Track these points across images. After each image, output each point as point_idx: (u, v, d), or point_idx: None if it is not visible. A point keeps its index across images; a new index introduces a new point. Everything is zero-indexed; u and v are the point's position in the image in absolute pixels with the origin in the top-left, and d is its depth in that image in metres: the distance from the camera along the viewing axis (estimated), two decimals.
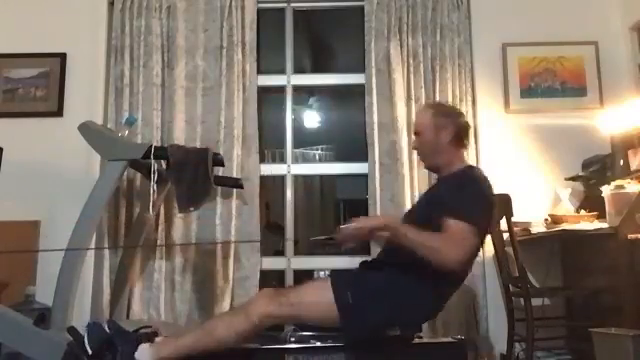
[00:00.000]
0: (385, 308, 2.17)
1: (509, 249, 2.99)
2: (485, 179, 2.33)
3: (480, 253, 3.36)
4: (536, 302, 2.96)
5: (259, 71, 3.66)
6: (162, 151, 2.88)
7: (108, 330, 2.20)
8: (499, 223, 3.05)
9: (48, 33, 3.62)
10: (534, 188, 3.44)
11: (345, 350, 2.36)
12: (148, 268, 3.39)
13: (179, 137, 3.47)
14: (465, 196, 2.21)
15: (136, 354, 2.13)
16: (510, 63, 3.61)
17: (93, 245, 3.11)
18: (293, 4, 3.90)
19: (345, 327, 2.17)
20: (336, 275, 2.27)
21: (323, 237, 2.29)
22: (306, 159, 4.12)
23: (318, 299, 2.17)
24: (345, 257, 4.10)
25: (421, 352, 2.58)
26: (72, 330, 2.27)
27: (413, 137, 2.54)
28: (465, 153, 2.50)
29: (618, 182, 2.86)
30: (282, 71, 3.83)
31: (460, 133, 2.39)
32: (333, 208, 4.66)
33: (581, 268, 3.13)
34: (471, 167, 2.49)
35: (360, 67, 3.68)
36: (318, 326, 2.32)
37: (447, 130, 2.36)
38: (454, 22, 3.64)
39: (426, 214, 2.28)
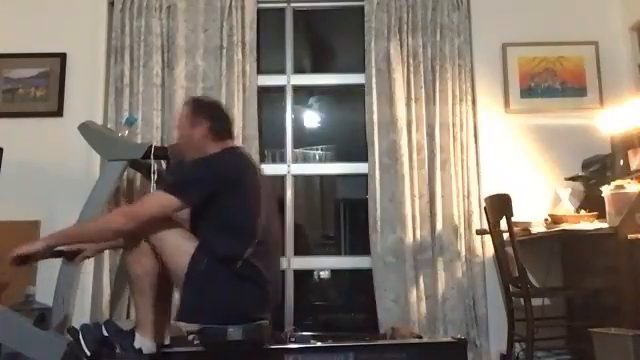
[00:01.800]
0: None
1: (509, 249, 2.99)
2: (220, 155, 2.33)
3: (480, 253, 3.39)
4: (536, 302, 2.96)
5: (259, 71, 3.66)
6: (162, 151, 2.88)
7: (106, 331, 2.23)
8: (499, 223, 3.05)
9: (48, 33, 3.62)
10: (534, 188, 3.44)
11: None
12: None
13: None
14: (185, 170, 2.37)
15: (135, 343, 2.20)
16: (510, 63, 3.61)
17: None
18: (293, 4, 3.90)
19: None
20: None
21: None
22: (306, 159, 4.11)
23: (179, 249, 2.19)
24: (345, 257, 4.12)
25: (421, 352, 2.59)
26: (72, 330, 2.29)
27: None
28: (231, 143, 2.46)
29: (618, 182, 2.86)
30: (282, 71, 3.84)
31: (215, 127, 2.40)
32: (333, 208, 4.66)
33: (581, 268, 3.13)
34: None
35: (360, 67, 3.68)
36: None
37: (202, 126, 2.38)
38: (454, 22, 3.64)
39: None
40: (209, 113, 2.42)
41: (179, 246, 2.18)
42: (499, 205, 2.98)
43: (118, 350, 2.19)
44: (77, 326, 2.31)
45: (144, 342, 2.21)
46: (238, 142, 3.46)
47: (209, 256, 2.16)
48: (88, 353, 2.18)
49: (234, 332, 2.15)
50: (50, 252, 2.26)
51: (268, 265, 2.25)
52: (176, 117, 2.56)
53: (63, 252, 2.36)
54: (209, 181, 2.21)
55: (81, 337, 2.22)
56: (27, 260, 2.18)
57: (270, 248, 2.31)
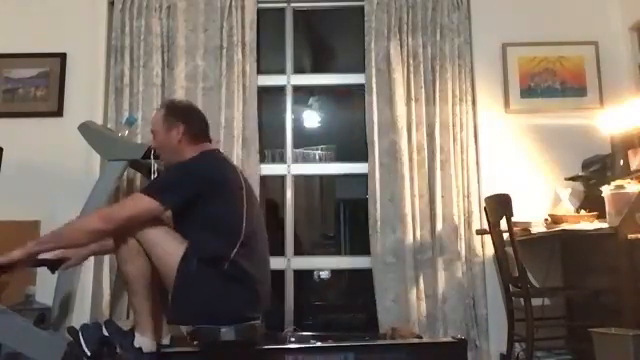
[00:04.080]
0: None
1: (509, 249, 2.99)
2: (199, 159, 2.33)
3: (480, 253, 3.40)
4: (536, 302, 2.96)
5: (259, 71, 3.66)
6: None
7: (106, 331, 2.23)
8: (499, 223, 3.05)
9: (48, 33, 3.62)
10: (534, 188, 3.44)
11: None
12: None
13: None
14: (165, 175, 2.40)
15: (135, 343, 2.20)
16: (510, 63, 3.61)
17: None
18: (293, 4, 3.90)
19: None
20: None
21: None
22: (306, 159, 4.11)
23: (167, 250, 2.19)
24: (345, 257, 4.13)
25: (421, 352, 2.58)
26: (72, 330, 2.29)
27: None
28: (210, 145, 2.47)
29: (618, 182, 2.85)
30: (282, 71, 3.83)
31: (192, 131, 2.40)
32: (333, 208, 4.66)
33: (581, 268, 3.13)
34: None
35: (360, 67, 3.68)
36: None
37: (178, 129, 2.38)
38: (454, 22, 3.63)
39: None
40: (183, 116, 2.42)
41: (167, 248, 2.19)
42: (499, 205, 2.98)
43: (118, 350, 2.19)
44: (77, 326, 2.31)
45: (144, 341, 2.21)
46: (238, 142, 3.49)
47: (198, 258, 2.16)
48: (88, 353, 2.19)
49: (227, 333, 2.15)
50: (32, 261, 2.25)
51: (257, 266, 2.26)
52: (151, 121, 2.55)
53: (46, 261, 2.34)
54: (190, 185, 2.22)
55: (81, 337, 2.22)
56: (7, 270, 2.17)
57: (257, 248, 2.31)
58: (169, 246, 2.19)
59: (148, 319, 2.23)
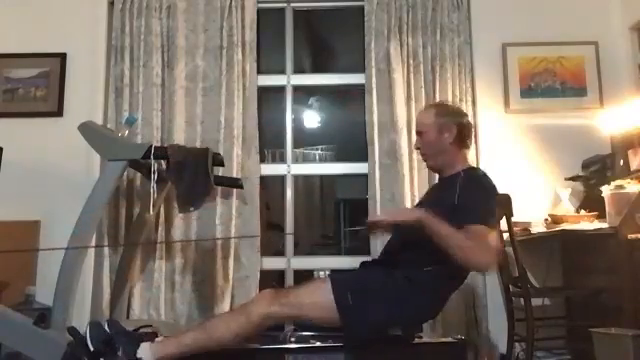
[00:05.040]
0: (385, 307, 2.17)
1: (509, 249, 2.99)
2: (489, 179, 2.36)
3: None
4: (536, 302, 2.97)
5: (259, 71, 3.66)
6: (162, 151, 2.87)
7: (109, 330, 2.21)
8: (499, 223, 3.05)
9: (48, 33, 3.62)
10: (534, 188, 3.44)
11: (345, 350, 2.36)
12: (148, 268, 3.39)
13: (179, 137, 3.47)
14: (479, 199, 2.24)
15: (138, 352, 2.15)
16: (510, 63, 3.61)
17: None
18: (293, 4, 3.90)
19: (346, 327, 2.18)
20: (336, 276, 2.28)
21: (357, 228, 2.36)
22: (306, 159, 4.11)
23: (319, 299, 2.18)
24: (345, 257, 4.12)
25: (421, 352, 2.58)
26: (72, 330, 2.27)
27: (415, 137, 2.54)
28: (467, 154, 2.50)
29: (618, 182, 2.86)
30: (282, 71, 3.83)
31: (463, 133, 2.40)
32: (333, 208, 4.66)
33: (581, 268, 3.13)
34: (474, 168, 2.51)
35: (360, 67, 3.68)
36: (319, 325, 2.32)
37: (450, 130, 2.38)
38: (454, 22, 3.63)
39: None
40: (458, 118, 2.42)
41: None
42: (499, 205, 2.98)
43: (120, 353, 2.16)
44: (77, 326, 2.30)
45: (147, 355, 2.14)
46: (238, 142, 3.48)
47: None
48: (92, 348, 2.16)
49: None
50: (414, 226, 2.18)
51: None
52: (417, 120, 2.55)
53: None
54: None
55: (88, 332, 2.18)
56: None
57: None
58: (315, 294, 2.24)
59: (177, 352, 2.15)
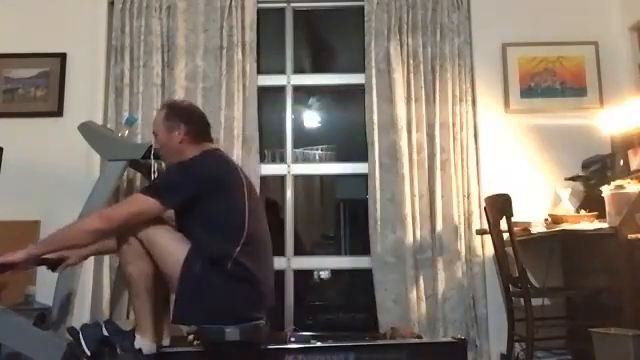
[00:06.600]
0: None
1: (509, 249, 2.99)
2: (200, 160, 2.32)
3: (480, 253, 3.40)
4: (536, 302, 2.96)
5: (259, 71, 3.66)
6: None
7: (106, 331, 2.23)
8: (499, 223, 3.05)
9: (48, 33, 3.62)
10: (534, 188, 3.44)
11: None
12: None
13: None
14: (166, 174, 2.43)
15: (135, 343, 2.20)
16: (510, 63, 3.61)
17: None
18: (293, 4, 3.90)
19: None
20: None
21: None
22: (306, 159, 4.11)
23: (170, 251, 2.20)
24: (345, 257, 4.12)
25: (421, 352, 2.58)
26: (72, 330, 2.29)
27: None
28: (210, 145, 2.46)
29: (618, 182, 2.86)
30: (282, 71, 3.83)
31: (193, 132, 2.41)
32: (333, 208, 4.66)
33: (581, 268, 3.14)
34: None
35: (360, 67, 3.68)
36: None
37: (178, 130, 2.39)
38: (454, 22, 3.63)
39: None
40: (185, 117, 2.42)
41: (170, 248, 2.19)
42: (499, 205, 2.98)
43: (118, 350, 2.19)
44: (77, 326, 2.31)
45: (144, 343, 2.21)
46: (238, 142, 3.49)
47: (201, 257, 2.17)
48: (88, 353, 2.19)
49: (232, 332, 2.15)
50: (33, 261, 2.26)
51: (260, 265, 2.26)
52: (152, 122, 2.56)
53: (46, 261, 2.36)
54: (190, 184, 2.22)
55: (81, 336, 2.22)
56: (8, 269, 2.18)
57: (260, 248, 2.31)
58: (172, 247, 2.19)
59: (149, 321, 2.23)
